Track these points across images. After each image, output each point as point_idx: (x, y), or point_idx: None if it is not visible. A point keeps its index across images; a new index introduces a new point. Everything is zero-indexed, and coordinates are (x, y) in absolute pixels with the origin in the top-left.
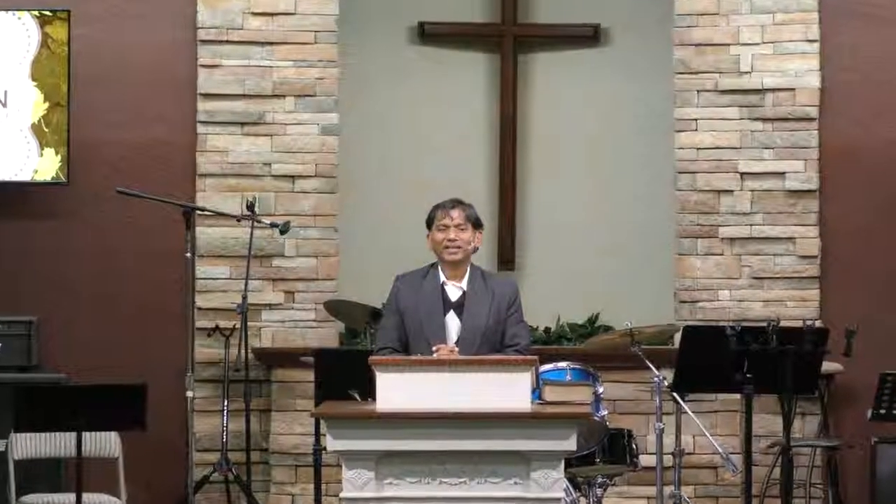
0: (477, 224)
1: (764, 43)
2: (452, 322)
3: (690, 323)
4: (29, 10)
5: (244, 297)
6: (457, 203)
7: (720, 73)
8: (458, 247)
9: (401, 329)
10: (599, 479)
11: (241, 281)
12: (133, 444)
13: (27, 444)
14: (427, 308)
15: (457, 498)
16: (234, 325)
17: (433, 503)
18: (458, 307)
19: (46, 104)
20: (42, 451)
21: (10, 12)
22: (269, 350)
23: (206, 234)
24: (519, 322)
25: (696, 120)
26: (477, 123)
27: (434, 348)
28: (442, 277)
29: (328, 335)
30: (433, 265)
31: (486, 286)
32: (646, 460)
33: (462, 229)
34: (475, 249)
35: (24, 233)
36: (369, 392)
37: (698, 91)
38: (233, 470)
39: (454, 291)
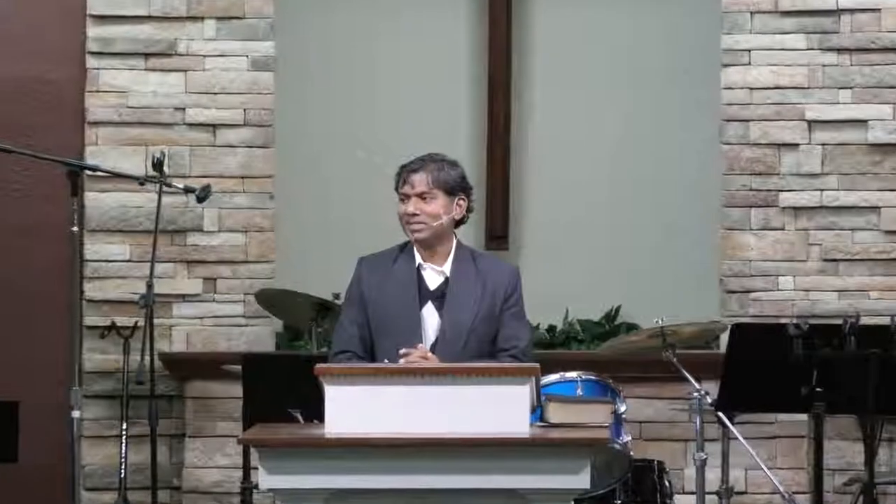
0: (454, 188)
1: None
2: (431, 317)
3: (741, 320)
4: None
5: (149, 286)
6: (423, 163)
7: None
8: (421, 222)
9: (364, 328)
10: None
11: (146, 264)
12: (1, 480)
13: None
14: (398, 299)
15: None
16: (136, 323)
17: None
18: (439, 298)
19: None
20: None
21: None
22: (182, 356)
23: (99, 201)
24: (518, 319)
25: (748, 51)
26: (458, 59)
27: (401, 352)
28: (418, 259)
29: (261, 336)
30: (406, 244)
31: (476, 271)
32: (682, 502)
33: (426, 199)
34: (458, 221)
35: None
36: (316, 411)
37: (752, 13)
38: None
39: (434, 278)
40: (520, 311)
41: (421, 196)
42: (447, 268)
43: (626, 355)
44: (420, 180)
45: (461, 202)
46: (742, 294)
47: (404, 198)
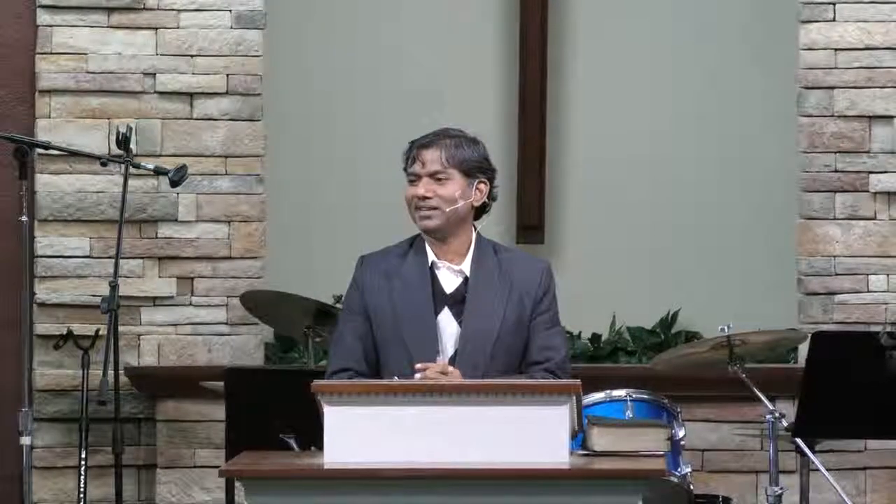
0: (473, 169)
1: None
2: (448, 326)
3: (824, 328)
4: None
5: (113, 287)
6: (436, 137)
7: None
8: (433, 207)
9: (367, 339)
10: None
11: (109, 261)
12: None
13: None
14: (408, 304)
15: None
16: (98, 332)
17: None
18: (457, 303)
19: None
20: None
21: None
22: (152, 371)
23: (53, 185)
24: (552, 326)
25: (832, 4)
26: (484, 14)
27: (417, 367)
28: (431, 256)
29: (247, 347)
30: (415, 238)
31: (499, 269)
32: None
33: (440, 179)
34: (478, 211)
35: None
36: (313, 437)
37: None
38: None
39: (450, 279)
40: (553, 316)
41: (434, 176)
42: (466, 266)
43: (686, 370)
44: (433, 158)
45: (481, 186)
46: (825, 297)
47: (414, 178)
